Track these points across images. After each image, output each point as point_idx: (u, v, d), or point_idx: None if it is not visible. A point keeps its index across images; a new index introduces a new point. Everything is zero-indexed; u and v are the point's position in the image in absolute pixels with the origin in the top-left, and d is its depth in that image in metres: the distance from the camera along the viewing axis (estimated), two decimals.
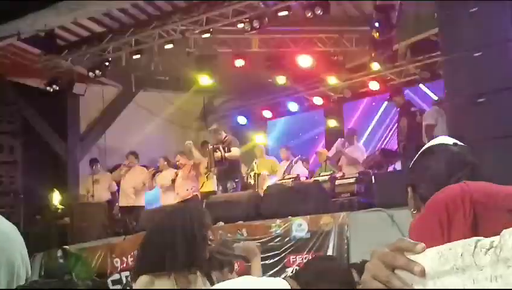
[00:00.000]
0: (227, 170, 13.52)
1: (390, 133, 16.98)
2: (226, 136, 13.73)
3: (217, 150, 13.42)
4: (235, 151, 13.48)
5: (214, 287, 3.00)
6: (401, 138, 12.64)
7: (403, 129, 12.66)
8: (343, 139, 14.39)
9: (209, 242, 3.49)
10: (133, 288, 3.20)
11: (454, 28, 9.17)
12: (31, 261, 10.46)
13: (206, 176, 14.25)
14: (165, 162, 14.90)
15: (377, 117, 17.52)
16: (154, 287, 3.09)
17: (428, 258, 1.29)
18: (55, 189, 15.74)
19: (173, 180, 14.43)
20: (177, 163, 14.65)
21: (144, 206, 14.73)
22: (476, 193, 1.68)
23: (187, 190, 13.97)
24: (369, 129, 17.33)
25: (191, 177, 14.18)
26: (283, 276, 9.78)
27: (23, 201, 15.38)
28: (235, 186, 13.39)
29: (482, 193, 1.69)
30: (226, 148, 13.46)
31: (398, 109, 13.62)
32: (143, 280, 3.14)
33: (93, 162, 15.71)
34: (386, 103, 16.68)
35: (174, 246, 3.19)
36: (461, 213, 1.63)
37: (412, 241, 1.32)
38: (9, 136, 15.25)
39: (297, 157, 14.68)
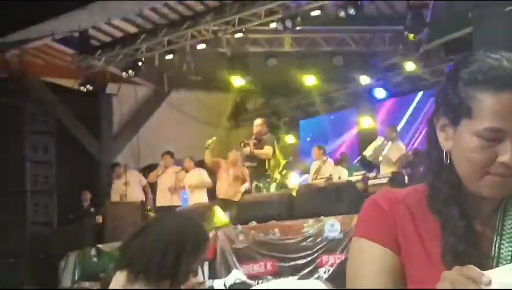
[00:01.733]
0: (258, 169, 13.45)
1: (422, 133, 16.89)
2: (265, 133, 13.55)
3: (247, 145, 13.23)
4: (267, 150, 13.28)
5: (256, 287, 2.94)
6: None
7: None
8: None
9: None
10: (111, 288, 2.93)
11: (488, 27, 9.13)
12: (65, 260, 10.65)
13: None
14: (191, 161, 14.87)
15: (407, 116, 17.40)
16: (134, 287, 2.86)
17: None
18: (88, 188, 15.91)
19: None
20: (185, 165, 14.66)
21: (180, 206, 14.78)
22: None
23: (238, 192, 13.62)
24: (400, 128, 17.23)
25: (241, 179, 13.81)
26: (316, 276, 9.81)
27: (57, 200, 15.57)
28: (267, 185, 13.32)
29: None
30: (260, 145, 13.27)
31: None
32: (123, 278, 2.88)
33: (114, 165, 15.75)
34: (415, 101, 16.62)
35: (162, 257, 2.88)
36: None
37: (479, 271, 1.40)
38: (43, 135, 15.43)
39: (326, 157, 14.63)
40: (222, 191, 13.38)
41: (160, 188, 14.83)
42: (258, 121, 13.60)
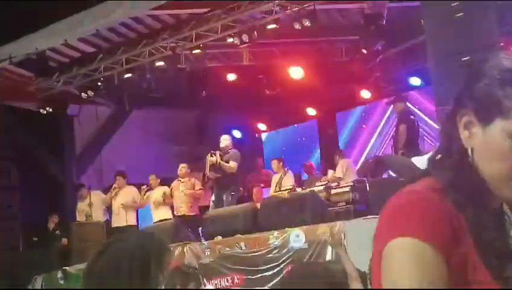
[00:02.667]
0: (223, 182, 13.54)
1: (384, 140, 17.07)
2: (230, 149, 13.76)
3: (213, 155, 13.45)
4: (233, 164, 13.49)
5: None
6: (399, 145, 12.55)
7: (402, 135, 12.60)
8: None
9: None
10: None
11: (441, 34, 9.25)
12: (32, 284, 10.54)
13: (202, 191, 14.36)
14: (157, 180, 14.99)
15: (370, 125, 17.58)
16: None
17: None
18: (54, 211, 15.78)
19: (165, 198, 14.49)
20: (150, 182, 14.82)
21: (135, 225, 14.82)
22: None
23: (190, 206, 14.10)
24: (363, 137, 17.38)
25: (193, 193, 14.23)
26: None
27: (22, 224, 15.43)
28: (230, 199, 13.41)
29: None
30: (225, 160, 13.49)
31: (396, 115, 13.60)
32: None
33: (78, 187, 15.69)
34: (376, 109, 16.80)
35: (129, 272, 2.84)
36: None
37: None
38: (5, 160, 15.30)
39: (287, 169, 14.71)
40: (177, 209, 14.09)
41: (114, 209, 14.80)
42: (223, 137, 13.86)
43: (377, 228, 1.67)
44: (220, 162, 13.33)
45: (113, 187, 14.89)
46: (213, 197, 13.67)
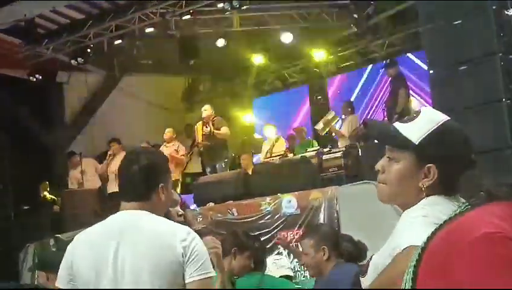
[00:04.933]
0: (216, 150, 13.60)
1: (374, 104, 17.06)
2: (214, 117, 13.83)
3: (207, 125, 13.55)
4: (225, 130, 13.59)
5: None
6: (397, 109, 12.48)
7: (402, 99, 12.55)
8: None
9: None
10: None
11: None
12: (24, 252, 10.58)
13: (190, 156, 14.41)
14: (148, 146, 14.96)
15: (358, 89, 17.56)
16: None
17: None
18: (44, 179, 15.75)
19: None
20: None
21: None
22: None
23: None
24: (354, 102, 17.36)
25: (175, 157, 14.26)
26: (276, 252, 9.89)
27: (12, 193, 15.38)
28: (224, 166, 13.49)
29: None
30: (216, 127, 13.58)
31: (390, 79, 13.54)
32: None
33: (70, 155, 15.63)
34: (366, 74, 16.81)
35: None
36: None
37: None
38: None
39: (278, 135, 14.69)
40: None
41: (110, 175, 14.77)
42: (205, 107, 13.99)
43: (426, 262, 1.37)
44: (213, 131, 13.39)
45: (108, 154, 14.84)
46: (207, 168, 13.77)
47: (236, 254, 4.83)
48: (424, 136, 2.27)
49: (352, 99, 16.49)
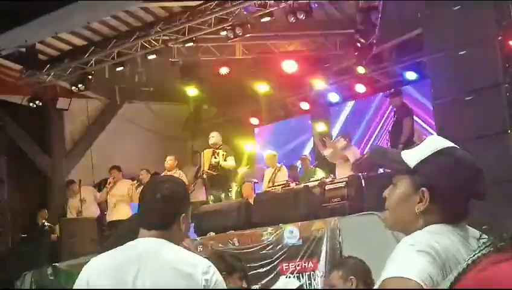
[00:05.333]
0: (221, 179, 13.56)
1: (378, 135, 17.01)
2: (221, 145, 13.81)
3: (216, 156, 13.54)
4: (232, 163, 13.61)
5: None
6: (401, 139, 12.41)
7: (406, 129, 12.48)
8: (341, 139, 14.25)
9: None
10: None
11: (438, 27, 9.20)
12: (21, 280, 10.45)
13: (193, 185, 14.32)
14: (148, 174, 14.93)
15: (365, 120, 17.53)
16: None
17: None
18: (42, 207, 15.68)
19: None
20: (140, 177, 14.73)
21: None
22: None
23: None
24: (359, 132, 17.30)
25: None
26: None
27: (10, 220, 15.32)
28: (230, 196, 13.46)
29: None
30: (222, 157, 13.59)
31: (394, 109, 13.51)
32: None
33: (69, 183, 15.58)
34: (373, 105, 16.80)
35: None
36: None
37: None
38: None
39: (281, 164, 14.63)
40: None
41: (110, 204, 14.71)
42: (213, 134, 13.93)
43: None
44: (221, 164, 13.49)
45: (108, 181, 14.80)
46: (211, 197, 13.70)
47: (226, 278, 4.80)
48: (420, 160, 2.27)
49: (358, 128, 16.49)
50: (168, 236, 3.24)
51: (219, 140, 13.82)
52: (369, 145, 16.88)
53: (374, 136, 17.20)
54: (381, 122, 17.05)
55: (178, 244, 3.28)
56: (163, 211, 3.26)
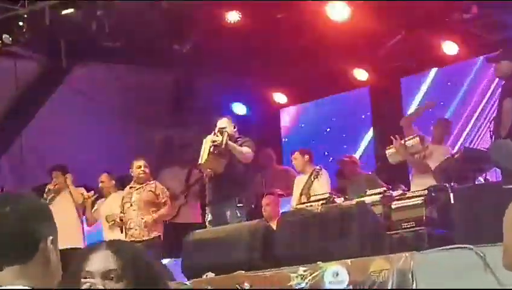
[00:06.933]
0: (228, 183, 13.43)
1: (481, 124, 16.96)
2: (238, 137, 13.80)
3: (219, 135, 13.38)
4: (246, 151, 13.48)
5: None
6: (502, 129, 12.31)
7: (507, 114, 12.33)
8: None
9: None
10: None
11: None
12: None
13: (185, 198, 14.29)
14: (112, 181, 14.92)
15: (456, 99, 17.48)
16: None
17: None
18: None
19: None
20: (100, 186, 14.77)
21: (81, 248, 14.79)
22: None
23: (145, 226, 13.99)
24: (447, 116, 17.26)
25: (155, 204, 14.16)
26: None
27: None
28: (239, 215, 13.31)
29: None
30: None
31: (501, 82, 13.40)
32: None
33: None
34: (470, 74, 16.79)
35: None
36: None
37: None
38: None
39: (319, 167, 14.60)
40: (126, 231, 14.25)
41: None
42: (222, 121, 13.82)
43: None
44: (227, 143, 13.26)
45: (47, 189, 14.81)
46: (209, 216, 13.59)
47: None
48: None
49: (443, 111, 16.46)
50: (30, 274, 3.19)
51: (231, 130, 13.66)
52: (461, 140, 16.83)
53: (470, 124, 17.14)
54: (483, 103, 17.00)
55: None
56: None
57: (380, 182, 14.22)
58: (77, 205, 14.80)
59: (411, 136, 13.59)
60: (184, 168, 15.26)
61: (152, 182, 14.41)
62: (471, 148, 15.38)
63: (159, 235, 14.07)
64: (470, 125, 17.19)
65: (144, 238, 13.88)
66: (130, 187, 14.36)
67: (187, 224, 14.58)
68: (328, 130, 18.94)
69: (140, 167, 14.28)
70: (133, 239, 13.75)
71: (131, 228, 13.99)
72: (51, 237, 3.23)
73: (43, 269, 3.21)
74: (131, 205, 14.07)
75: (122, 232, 14.23)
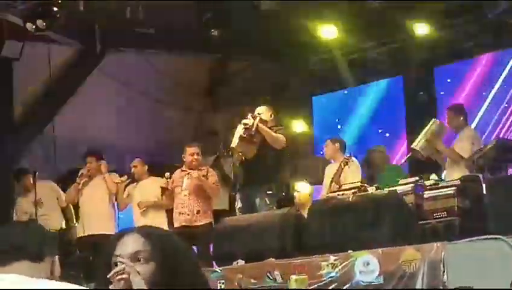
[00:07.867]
0: (258, 169, 13.44)
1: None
2: (275, 125, 13.86)
3: (250, 117, 13.47)
4: (281, 137, 13.55)
5: None
6: None
7: None
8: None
9: None
10: None
11: None
12: None
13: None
14: (144, 166, 14.91)
15: (493, 90, 17.38)
16: None
17: None
18: None
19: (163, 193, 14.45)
20: (133, 171, 14.79)
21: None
22: None
23: (197, 212, 13.91)
24: (483, 108, 17.18)
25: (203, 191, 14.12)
26: None
27: None
28: (268, 202, 13.32)
29: None
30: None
31: None
32: None
33: (19, 173, 15.61)
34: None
35: None
36: None
37: None
38: None
39: (349, 156, 14.57)
40: (176, 216, 14.09)
41: (83, 212, 14.71)
42: (260, 109, 13.88)
43: None
44: (258, 125, 13.30)
45: (80, 173, 14.82)
46: (239, 203, 13.61)
47: None
48: None
49: (483, 103, 16.38)
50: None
51: (267, 117, 13.74)
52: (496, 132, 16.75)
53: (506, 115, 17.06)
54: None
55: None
56: None
57: (406, 173, 14.21)
58: (110, 193, 14.80)
59: (431, 122, 13.58)
60: (212, 155, 15.23)
61: (204, 168, 14.42)
62: (505, 138, 15.32)
63: (210, 222, 14.00)
64: (505, 116, 17.10)
65: (196, 224, 13.86)
66: (182, 170, 14.34)
67: (215, 211, 14.54)
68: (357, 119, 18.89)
69: (193, 154, 14.21)
70: (184, 224, 13.81)
71: (182, 213, 13.93)
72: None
73: None
74: (182, 189, 14.03)
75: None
